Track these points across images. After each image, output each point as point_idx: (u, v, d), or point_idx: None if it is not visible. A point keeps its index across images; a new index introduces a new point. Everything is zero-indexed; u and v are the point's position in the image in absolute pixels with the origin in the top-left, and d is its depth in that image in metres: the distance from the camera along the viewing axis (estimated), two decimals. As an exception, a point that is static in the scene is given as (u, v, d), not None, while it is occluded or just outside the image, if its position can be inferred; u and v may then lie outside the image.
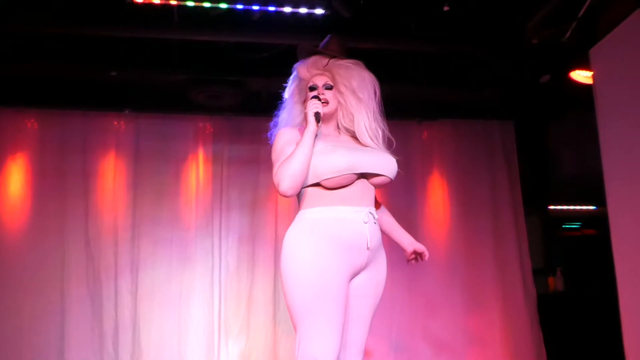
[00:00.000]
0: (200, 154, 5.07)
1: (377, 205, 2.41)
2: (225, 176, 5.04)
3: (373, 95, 2.34)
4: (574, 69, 4.25)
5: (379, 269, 2.30)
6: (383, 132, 2.34)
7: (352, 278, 2.21)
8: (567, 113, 5.20)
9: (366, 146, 2.31)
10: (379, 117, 2.34)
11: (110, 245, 4.79)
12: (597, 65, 3.75)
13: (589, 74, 3.96)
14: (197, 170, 5.04)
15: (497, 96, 5.09)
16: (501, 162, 5.28)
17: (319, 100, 2.26)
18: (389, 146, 2.35)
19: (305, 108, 2.35)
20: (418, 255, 2.51)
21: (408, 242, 2.52)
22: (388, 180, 2.29)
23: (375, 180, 2.27)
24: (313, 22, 3.77)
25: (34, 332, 4.54)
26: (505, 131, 5.36)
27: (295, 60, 2.49)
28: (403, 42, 4.08)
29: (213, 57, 4.37)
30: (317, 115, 2.22)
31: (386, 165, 2.27)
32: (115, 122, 5.00)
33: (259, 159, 5.02)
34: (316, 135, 2.22)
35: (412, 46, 4.15)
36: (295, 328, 2.11)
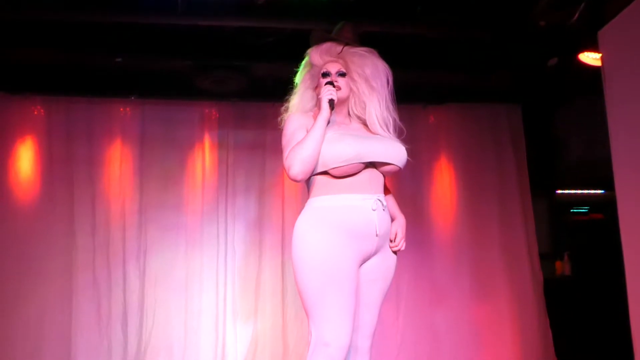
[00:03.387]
0: (206, 139, 5.07)
1: (386, 192, 2.41)
2: (232, 162, 5.04)
3: (386, 84, 2.35)
4: (582, 51, 4.21)
5: (389, 254, 2.32)
6: (394, 120, 2.35)
7: (362, 264, 2.24)
8: (575, 96, 5.15)
9: (376, 134, 2.31)
10: (390, 105, 2.35)
11: (118, 231, 4.82)
12: (605, 47, 3.71)
13: (598, 56, 3.92)
14: (203, 156, 5.04)
15: (504, 80, 5.04)
16: (508, 147, 5.25)
17: (333, 86, 2.26)
18: (399, 134, 2.35)
19: (317, 94, 2.36)
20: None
21: (394, 223, 2.37)
22: (397, 168, 2.30)
23: (384, 168, 2.28)
24: (319, 5, 3.73)
25: (44, 318, 4.60)
26: (512, 115, 5.33)
27: (301, 45, 2.48)
28: (409, 25, 4.04)
29: (218, 42, 4.35)
30: (332, 102, 2.23)
31: (395, 153, 2.27)
32: (121, 109, 5.01)
33: (265, 144, 5.02)
34: (328, 122, 2.22)
35: (418, 30, 4.11)
36: (307, 315, 2.14)
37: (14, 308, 4.56)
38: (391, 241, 2.32)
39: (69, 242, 4.74)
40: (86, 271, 4.72)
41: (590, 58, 4.18)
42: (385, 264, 2.30)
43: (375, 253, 2.25)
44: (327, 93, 2.24)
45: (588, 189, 6.15)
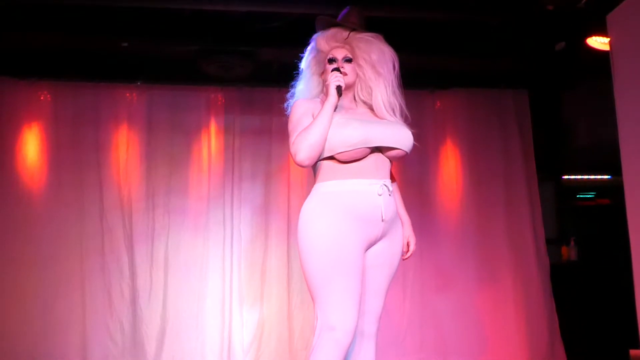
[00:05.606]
0: (212, 125, 5.07)
1: (392, 179, 2.41)
2: (238, 147, 5.04)
3: (392, 69, 2.34)
4: (590, 35, 4.17)
5: (395, 239, 2.33)
6: (400, 106, 2.34)
7: (368, 249, 2.24)
8: (583, 81, 5.12)
9: (382, 119, 2.31)
10: (397, 91, 2.35)
11: (126, 216, 4.85)
12: (614, 31, 3.67)
13: (606, 40, 3.89)
14: (209, 141, 5.05)
15: (511, 64, 5.01)
16: (515, 132, 5.23)
17: (340, 73, 2.26)
18: (405, 120, 2.35)
19: (323, 80, 2.37)
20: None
21: (405, 230, 2.45)
22: (403, 153, 2.29)
23: (390, 153, 2.28)
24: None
25: (55, 302, 4.64)
26: (519, 100, 5.30)
27: (308, 30, 2.47)
28: (415, 10, 4.02)
29: (224, 27, 4.33)
30: (339, 89, 2.23)
31: (401, 138, 2.27)
32: (127, 94, 5.01)
33: (271, 129, 5.02)
34: (335, 108, 2.22)
35: (425, 14, 4.09)
36: (313, 300, 2.14)
37: (25, 292, 4.60)
38: (404, 251, 2.42)
39: (78, 227, 4.77)
40: (95, 255, 4.76)
41: (599, 42, 4.14)
42: (391, 249, 2.31)
43: (381, 238, 2.25)
44: (335, 79, 2.23)
45: (595, 175, 6.13)
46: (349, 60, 2.34)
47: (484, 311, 4.92)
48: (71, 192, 4.80)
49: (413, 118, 2.38)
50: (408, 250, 2.45)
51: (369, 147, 2.20)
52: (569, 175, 5.85)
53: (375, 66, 2.31)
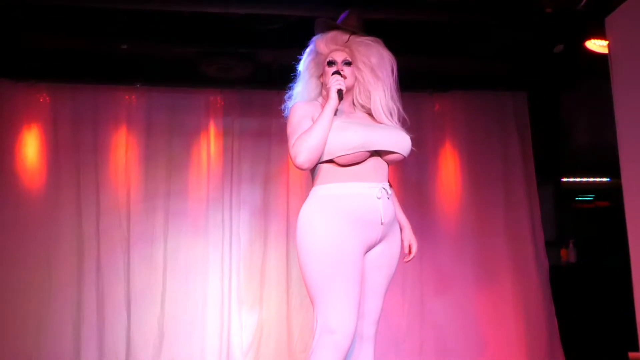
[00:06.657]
0: (212, 127, 5.07)
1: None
2: (237, 149, 5.05)
3: (390, 73, 2.35)
4: (589, 38, 4.18)
5: (394, 241, 2.33)
6: (398, 110, 2.35)
7: (367, 252, 2.25)
8: (582, 83, 5.12)
9: (380, 123, 2.31)
10: (395, 95, 2.36)
11: (124, 218, 4.85)
12: (612, 34, 3.68)
13: (605, 43, 3.89)
14: (209, 143, 5.04)
15: (510, 67, 5.02)
16: (514, 134, 5.23)
17: (341, 76, 2.26)
18: (403, 124, 2.36)
19: (321, 83, 2.38)
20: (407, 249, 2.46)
21: (406, 234, 2.45)
22: (401, 157, 2.31)
23: (389, 157, 2.29)
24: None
25: (53, 303, 4.64)
26: (518, 102, 5.30)
27: (307, 32, 2.47)
28: (413, 11, 4.02)
29: (224, 29, 4.33)
30: (340, 92, 2.22)
31: (400, 142, 2.28)
32: (126, 96, 5.01)
33: (270, 131, 5.02)
34: (335, 112, 2.22)
35: (423, 16, 4.09)
36: (312, 302, 2.15)
37: (20, 293, 4.59)
38: (406, 252, 2.43)
39: (75, 229, 4.77)
40: (91, 257, 4.75)
41: (597, 45, 4.15)
42: (389, 251, 2.31)
43: (380, 241, 2.26)
44: (336, 83, 2.23)
45: (594, 177, 6.13)
46: (348, 64, 2.34)
47: (483, 313, 4.92)
48: (70, 194, 4.80)
49: (412, 121, 2.39)
50: (410, 253, 2.44)
51: (368, 151, 2.21)
52: (568, 177, 5.85)
53: (374, 70, 2.31)
